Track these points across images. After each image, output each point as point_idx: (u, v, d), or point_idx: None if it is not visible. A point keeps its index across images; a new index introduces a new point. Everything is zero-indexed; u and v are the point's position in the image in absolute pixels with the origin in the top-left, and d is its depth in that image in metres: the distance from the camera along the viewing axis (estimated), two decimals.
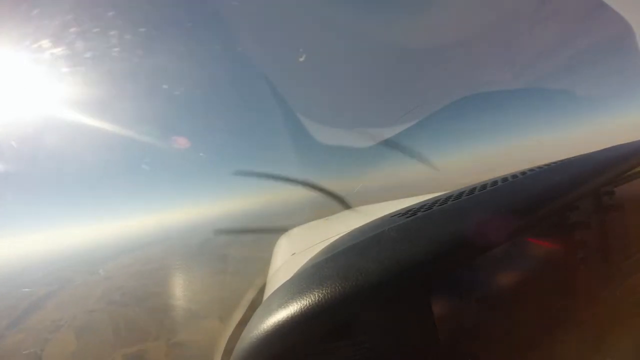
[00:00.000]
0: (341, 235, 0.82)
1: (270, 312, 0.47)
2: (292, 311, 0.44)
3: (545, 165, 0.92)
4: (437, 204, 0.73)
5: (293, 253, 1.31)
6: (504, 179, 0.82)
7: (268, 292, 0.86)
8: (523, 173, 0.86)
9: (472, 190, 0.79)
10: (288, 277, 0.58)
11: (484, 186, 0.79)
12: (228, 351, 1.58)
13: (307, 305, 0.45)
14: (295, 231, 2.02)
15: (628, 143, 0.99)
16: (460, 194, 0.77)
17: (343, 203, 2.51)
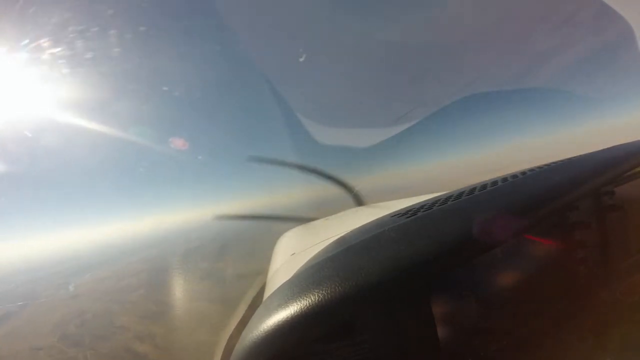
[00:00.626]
0: (341, 235, 0.82)
1: (270, 312, 0.47)
2: (292, 311, 0.44)
3: (545, 165, 0.92)
4: (437, 204, 0.73)
5: (293, 253, 1.31)
6: (504, 179, 0.82)
7: (268, 292, 0.86)
8: (523, 173, 0.86)
9: (472, 190, 0.79)
10: (288, 277, 0.58)
11: (484, 186, 0.79)
12: (228, 351, 1.58)
13: (307, 305, 0.45)
14: (295, 231, 2.02)
15: (628, 143, 0.99)
16: (460, 194, 0.77)
17: (356, 197, 2.47)
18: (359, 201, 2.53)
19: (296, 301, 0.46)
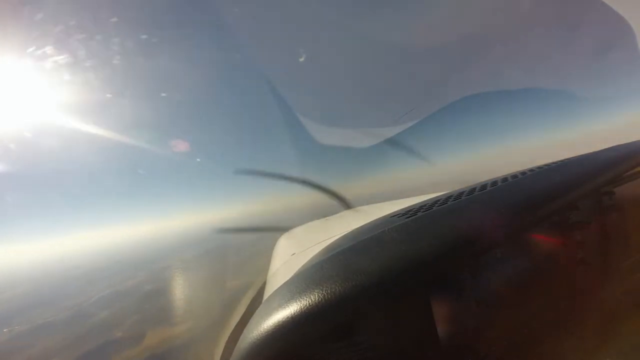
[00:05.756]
0: (341, 235, 0.82)
1: (270, 312, 0.47)
2: (292, 311, 0.44)
3: (545, 165, 0.92)
4: (437, 204, 0.73)
5: (293, 253, 1.31)
6: (504, 179, 0.82)
7: (268, 292, 0.86)
8: (523, 173, 0.86)
9: (472, 190, 0.79)
10: (288, 277, 0.58)
11: (484, 186, 0.79)
12: (228, 351, 1.58)
13: (307, 305, 0.45)
14: (295, 231, 2.02)
15: (628, 143, 0.99)
16: (460, 194, 0.77)
17: (344, 203, 2.50)
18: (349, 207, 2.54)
19: (296, 301, 0.46)
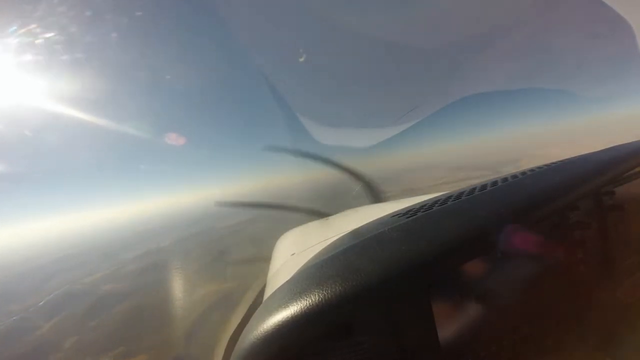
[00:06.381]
0: (341, 235, 0.82)
1: (270, 312, 0.47)
2: (292, 311, 0.45)
3: (545, 165, 0.92)
4: (437, 204, 0.73)
5: (293, 253, 1.31)
6: (504, 179, 0.82)
7: (268, 293, 0.86)
8: (523, 173, 0.86)
9: (472, 190, 0.79)
10: (288, 278, 0.58)
11: (484, 186, 0.79)
12: (228, 351, 1.58)
13: (307, 305, 0.45)
14: (295, 231, 2.02)
15: (628, 143, 0.99)
16: (460, 194, 0.77)
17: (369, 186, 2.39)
18: (373, 193, 2.44)
19: (296, 301, 0.46)
